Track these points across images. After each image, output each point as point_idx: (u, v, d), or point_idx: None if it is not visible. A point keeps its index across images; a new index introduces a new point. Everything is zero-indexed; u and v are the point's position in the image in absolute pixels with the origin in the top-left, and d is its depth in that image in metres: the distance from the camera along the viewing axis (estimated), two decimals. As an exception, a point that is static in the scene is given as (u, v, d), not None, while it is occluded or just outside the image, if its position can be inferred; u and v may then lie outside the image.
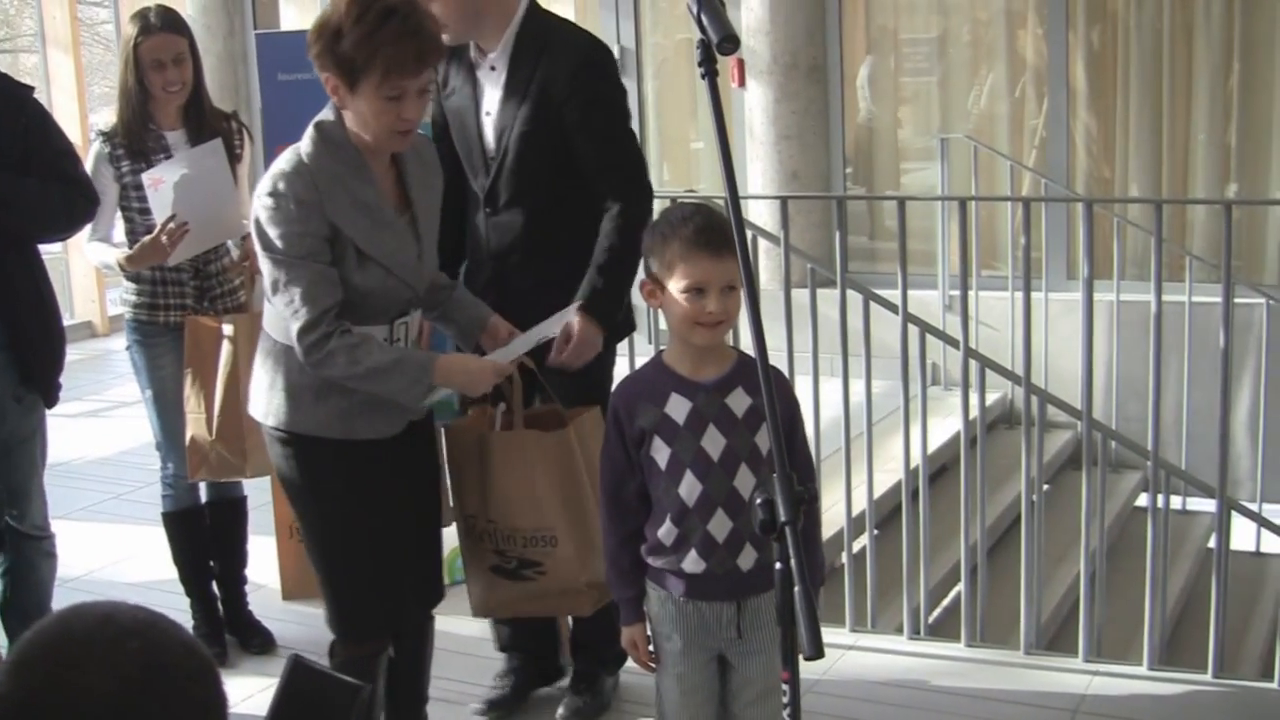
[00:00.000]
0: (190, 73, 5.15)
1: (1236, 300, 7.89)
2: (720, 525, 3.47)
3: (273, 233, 3.68)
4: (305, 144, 3.76)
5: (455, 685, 4.95)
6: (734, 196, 2.64)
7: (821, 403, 5.47)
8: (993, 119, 9.56)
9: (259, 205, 3.71)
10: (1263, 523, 6.37)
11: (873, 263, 9.52)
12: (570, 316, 4.28)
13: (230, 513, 5.55)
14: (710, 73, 2.66)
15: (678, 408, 3.49)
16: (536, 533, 4.14)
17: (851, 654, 5.34)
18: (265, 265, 3.73)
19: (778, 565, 2.45)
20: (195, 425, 5.19)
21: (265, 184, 3.72)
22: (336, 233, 3.71)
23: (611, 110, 4.54)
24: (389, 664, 4.19)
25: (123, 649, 1.74)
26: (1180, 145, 8.91)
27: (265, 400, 3.93)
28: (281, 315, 3.75)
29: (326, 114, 3.80)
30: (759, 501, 2.44)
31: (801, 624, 2.33)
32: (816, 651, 2.31)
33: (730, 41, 2.63)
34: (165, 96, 5.14)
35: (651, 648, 3.64)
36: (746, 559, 3.49)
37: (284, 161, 3.75)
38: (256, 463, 5.14)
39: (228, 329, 5.11)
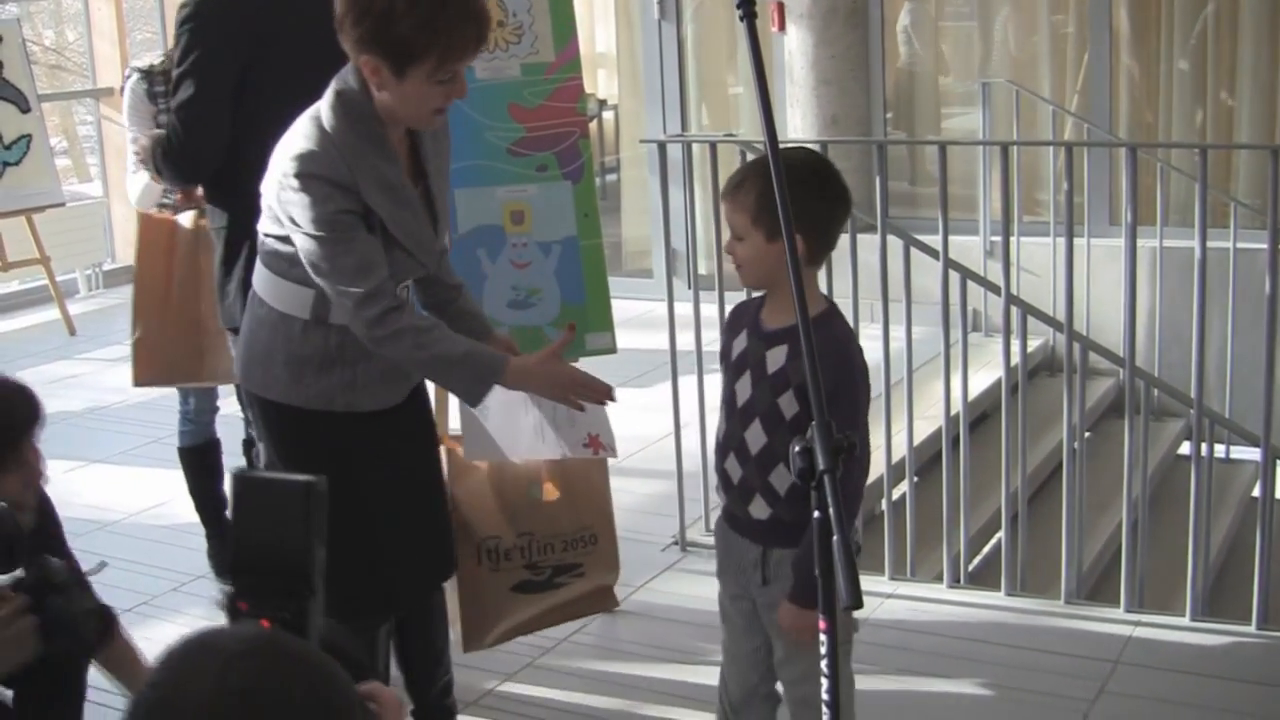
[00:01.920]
0: None
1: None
2: (733, 469, 3.52)
3: (307, 215, 3.46)
4: (327, 114, 3.53)
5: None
6: (773, 141, 2.61)
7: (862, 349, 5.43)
8: (1035, 63, 9.48)
9: (286, 185, 3.49)
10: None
11: (913, 208, 9.47)
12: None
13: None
14: (749, 15, 2.62)
15: (740, 343, 3.52)
16: (578, 533, 4.15)
17: (890, 602, 5.31)
18: (302, 244, 3.52)
19: (815, 514, 2.42)
20: (144, 325, 5.16)
21: (290, 162, 3.49)
22: (367, 212, 3.53)
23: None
24: (403, 641, 4.14)
25: (235, 668, 1.68)
26: (1225, 89, 8.82)
27: (262, 371, 3.75)
28: (330, 296, 3.55)
29: (349, 81, 3.56)
30: (797, 450, 2.42)
31: (840, 573, 2.31)
32: (855, 601, 2.29)
33: (770, -17, 2.59)
34: None
35: None
36: (759, 509, 3.48)
37: (307, 138, 3.52)
38: (212, 366, 5.14)
39: (184, 222, 5.08)
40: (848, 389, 3.36)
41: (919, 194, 9.75)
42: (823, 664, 2.52)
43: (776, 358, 3.43)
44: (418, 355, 3.55)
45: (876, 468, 5.63)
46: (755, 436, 3.44)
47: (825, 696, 2.54)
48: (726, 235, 3.51)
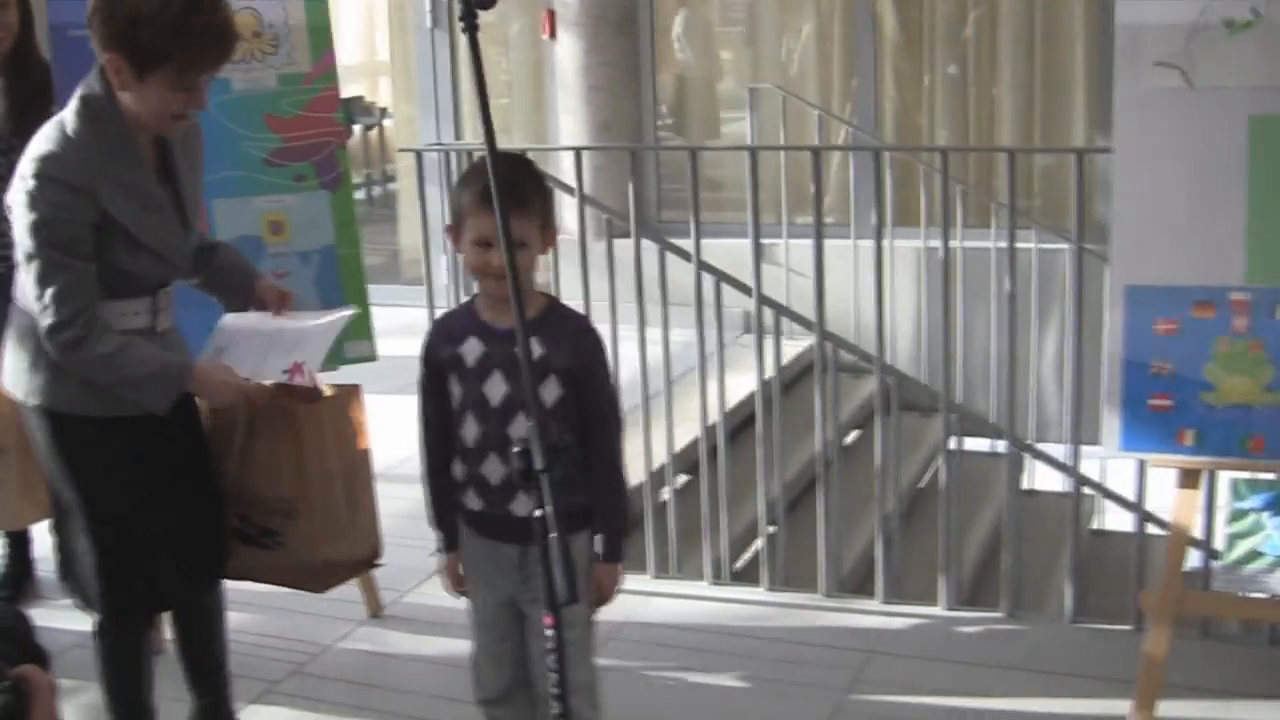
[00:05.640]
0: (15, 19, 5.06)
1: (1044, 246, 8.08)
2: (493, 469, 3.55)
3: (34, 217, 3.50)
4: (71, 120, 3.57)
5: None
6: (492, 151, 2.68)
7: (632, 354, 5.56)
8: (804, 69, 9.65)
9: (22, 186, 3.52)
10: (1058, 466, 6.44)
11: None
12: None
13: None
14: (471, 27, 2.68)
15: (471, 350, 3.55)
16: (276, 502, 4.13)
17: (655, 600, 5.40)
18: (22, 243, 3.55)
19: (536, 512, 2.50)
20: None
21: (30, 164, 3.52)
22: (107, 219, 3.55)
23: None
24: (184, 648, 4.21)
25: None
26: (985, 95, 9.07)
27: (27, 378, 3.75)
28: (31, 304, 3.59)
29: (93, 86, 3.59)
30: (516, 450, 2.50)
31: (556, 570, 2.40)
32: (571, 596, 2.39)
33: (488, -4, 2.65)
34: None
35: None
36: (521, 505, 3.52)
37: (50, 141, 3.56)
38: None
39: None
40: (606, 363, 3.65)
41: (702, 198, 9.85)
42: (549, 659, 2.59)
43: (532, 349, 3.46)
44: (105, 378, 3.63)
45: (641, 470, 5.72)
46: (520, 429, 3.47)
47: (554, 690, 2.61)
48: (475, 244, 3.49)
